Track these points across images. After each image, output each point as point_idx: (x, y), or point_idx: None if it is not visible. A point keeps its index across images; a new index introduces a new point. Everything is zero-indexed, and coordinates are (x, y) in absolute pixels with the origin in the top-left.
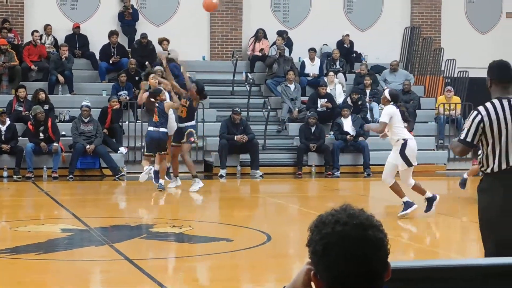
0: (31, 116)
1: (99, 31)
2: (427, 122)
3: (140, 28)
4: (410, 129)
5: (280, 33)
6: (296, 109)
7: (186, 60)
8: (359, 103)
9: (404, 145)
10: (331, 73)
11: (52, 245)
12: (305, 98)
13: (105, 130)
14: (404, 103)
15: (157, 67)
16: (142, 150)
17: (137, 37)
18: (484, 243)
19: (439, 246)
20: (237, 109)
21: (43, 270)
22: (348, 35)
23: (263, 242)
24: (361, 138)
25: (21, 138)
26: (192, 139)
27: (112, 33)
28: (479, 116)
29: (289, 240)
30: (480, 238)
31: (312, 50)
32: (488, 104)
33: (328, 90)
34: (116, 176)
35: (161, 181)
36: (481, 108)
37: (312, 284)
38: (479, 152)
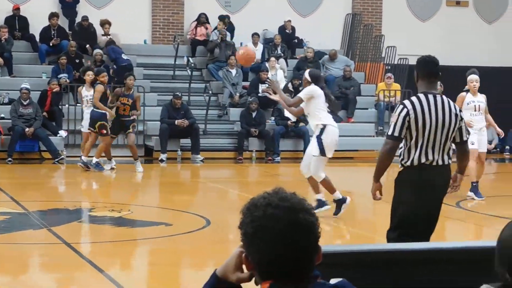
0: None
1: (39, 13)
2: (367, 109)
3: (81, 10)
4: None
5: (222, 18)
6: (237, 94)
7: (127, 43)
8: (300, 88)
9: (322, 130)
10: (272, 59)
11: None
12: (247, 83)
13: (44, 113)
14: (344, 89)
15: (96, 50)
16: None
17: (78, 19)
18: (390, 230)
19: (377, 232)
20: (178, 93)
21: None
22: (290, 21)
23: (202, 227)
24: (301, 124)
25: None
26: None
27: (53, 15)
28: (405, 110)
29: (229, 225)
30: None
31: (256, 35)
32: (413, 98)
33: (269, 76)
34: (56, 160)
35: (96, 160)
36: (407, 102)
37: (244, 266)
38: (401, 145)
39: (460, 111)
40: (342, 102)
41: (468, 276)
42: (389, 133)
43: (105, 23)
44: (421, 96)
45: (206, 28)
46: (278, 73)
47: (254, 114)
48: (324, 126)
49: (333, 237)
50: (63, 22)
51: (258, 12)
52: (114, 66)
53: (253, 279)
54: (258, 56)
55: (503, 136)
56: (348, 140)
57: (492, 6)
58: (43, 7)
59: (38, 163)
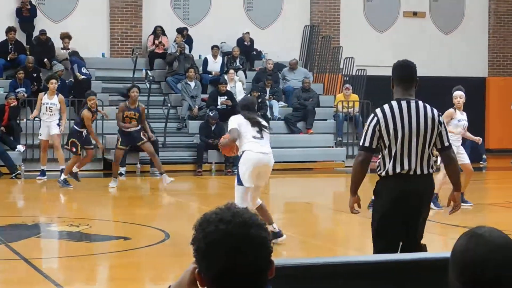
0: None
1: None
2: (326, 120)
3: (38, 24)
4: (299, 127)
5: (180, 31)
6: (196, 106)
7: (86, 57)
8: (259, 100)
9: (239, 158)
10: (231, 71)
11: None
12: (206, 96)
13: (2, 128)
14: (303, 100)
15: (59, 66)
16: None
17: (36, 33)
18: (373, 244)
19: (337, 243)
20: None
21: None
22: (248, 33)
23: (161, 240)
24: None
25: None
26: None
27: (10, 30)
28: (375, 119)
29: (188, 238)
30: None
31: (215, 47)
32: (385, 106)
33: (228, 88)
34: (13, 175)
35: (64, 176)
36: (377, 110)
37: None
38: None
39: (440, 115)
40: (301, 113)
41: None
42: (360, 143)
43: (65, 37)
44: (393, 103)
45: (162, 44)
46: (237, 85)
47: (213, 126)
48: (242, 153)
49: (294, 249)
50: (21, 36)
51: (217, 25)
52: (72, 80)
53: None
54: (217, 68)
55: (481, 142)
56: (307, 151)
57: (449, 17)
58: (0, 21)
59: None
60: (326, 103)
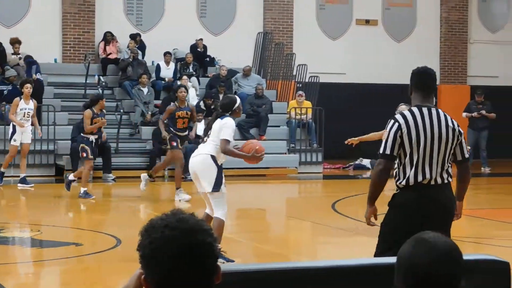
0: None
1: None
2: (279, 126)
3: None
4: (252, 134)
5: (133, 36)
6: (149, 112)
7: (38, 62)
8: (212, 107)
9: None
10: (184, 77)
11: None
12: (159, 102)
13: None
14: (256, 107)
15: (11, 72)
16: None
17: None
18: (380, 251)
19: (289, 249)
20: None
21: None
22: (201, 39)
23: (113, 246)
24: None
25: None
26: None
27: None
28: (396, 125)
29: None
30: (330, 242)
31: (168, 53)
32: (406, 112)
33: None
34: None
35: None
36: (398, 116)
37: None
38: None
39: (458, 125)
40: (254, 120)
41: None
42: (381, 151)
43: (15, 42)
44: (414, 109)
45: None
46: (190, 91)
47: None
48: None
49: (246, 255)
50: None
51: (170, 31)
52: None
53: None
54: (170, 75)
55: None
56: None
57: (401, 25)
58: None
59: None
60: (279, 109)
